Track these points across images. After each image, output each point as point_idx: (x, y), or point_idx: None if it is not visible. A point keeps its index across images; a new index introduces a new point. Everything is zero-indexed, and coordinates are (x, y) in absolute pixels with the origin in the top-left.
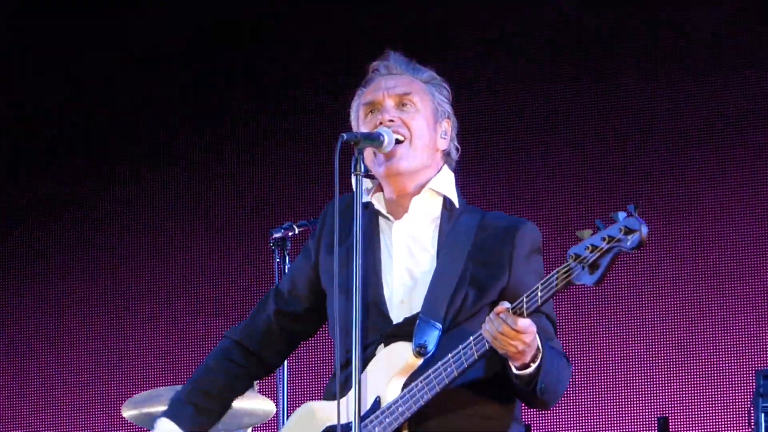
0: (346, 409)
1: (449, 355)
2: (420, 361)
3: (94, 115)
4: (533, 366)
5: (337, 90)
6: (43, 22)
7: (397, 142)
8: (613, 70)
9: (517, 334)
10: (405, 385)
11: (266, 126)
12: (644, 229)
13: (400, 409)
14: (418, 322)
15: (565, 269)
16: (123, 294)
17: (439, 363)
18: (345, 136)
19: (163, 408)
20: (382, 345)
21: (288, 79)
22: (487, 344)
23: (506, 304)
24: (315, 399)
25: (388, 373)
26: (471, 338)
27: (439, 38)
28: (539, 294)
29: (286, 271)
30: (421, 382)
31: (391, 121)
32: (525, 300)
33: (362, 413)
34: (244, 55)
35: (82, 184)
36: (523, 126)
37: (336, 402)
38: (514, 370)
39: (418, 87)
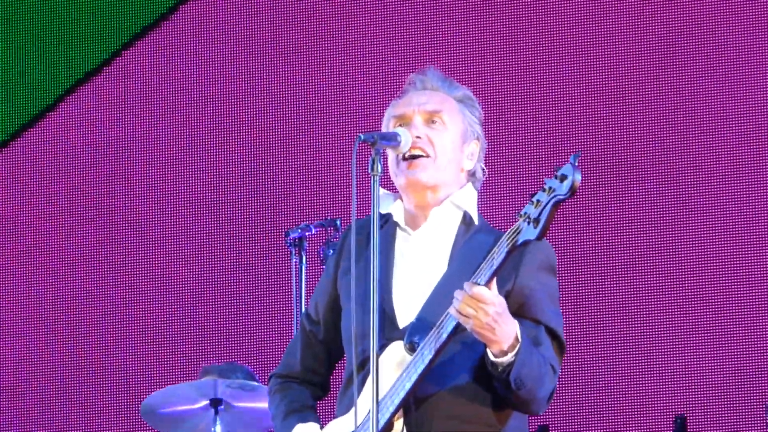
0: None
1: (425, 340)
2: (412, 356)
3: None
4: (510, 354)
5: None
6: None
7: (421, 157)
8: None
9: (473, 301)
10: None
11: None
12: (577, 175)
13: (386, 402)
14: (413, 322)
15: (515, 229)
16: (141, 291)
17: (418, 349)
18: (362, 136)
19: (181, 408)
20: None
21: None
22: (454, 321)
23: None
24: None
25: (385, 374)
26: (442, 317)
27: None
28: (495, 257)
29: (304, 272)
30: (404, 371)
31: (419, 137)
32: (483, 265)
33: (365, 417)
34: None
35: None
36: None
37: (350, 413)
38: (491, 357)
39: (450, 105)
